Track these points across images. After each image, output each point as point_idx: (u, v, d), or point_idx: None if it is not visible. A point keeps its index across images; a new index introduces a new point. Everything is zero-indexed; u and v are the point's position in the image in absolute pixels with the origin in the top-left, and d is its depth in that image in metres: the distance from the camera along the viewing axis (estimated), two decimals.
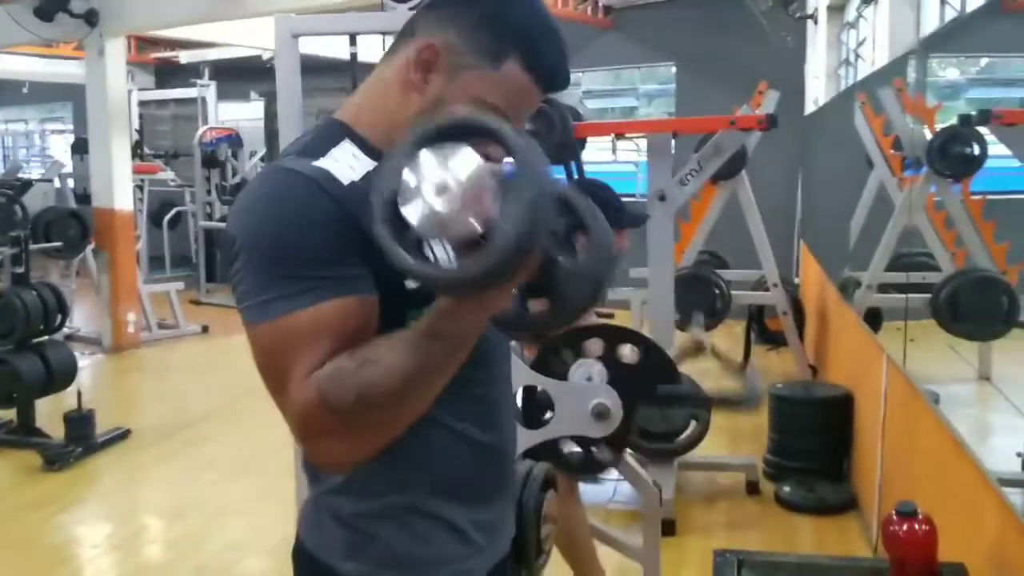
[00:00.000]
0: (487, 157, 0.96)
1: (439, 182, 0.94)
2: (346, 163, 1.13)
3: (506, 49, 1.14)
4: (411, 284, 1.06)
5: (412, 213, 0.94)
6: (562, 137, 3.32)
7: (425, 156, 0.95)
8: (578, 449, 2.30)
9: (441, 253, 1.03)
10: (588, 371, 2.24)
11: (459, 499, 1.23)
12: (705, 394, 3.81)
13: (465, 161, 0.94)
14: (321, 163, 1.11)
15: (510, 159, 0.94)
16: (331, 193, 1.08)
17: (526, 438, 2.36)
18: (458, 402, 1.18)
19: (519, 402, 2.33)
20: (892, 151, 5.32)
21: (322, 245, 1.06)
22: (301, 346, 1.05)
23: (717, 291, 5.68)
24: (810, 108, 7.73)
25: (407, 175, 0.95)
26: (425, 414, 1.13)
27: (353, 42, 2.55)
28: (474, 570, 1.26)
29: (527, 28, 1.15)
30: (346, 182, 1.11)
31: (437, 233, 0.95)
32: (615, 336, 2.19)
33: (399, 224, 0.95)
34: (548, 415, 2.27)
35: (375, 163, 1.12)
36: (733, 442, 4.84)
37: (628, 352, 2.16)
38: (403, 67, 1.16)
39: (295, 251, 1.06)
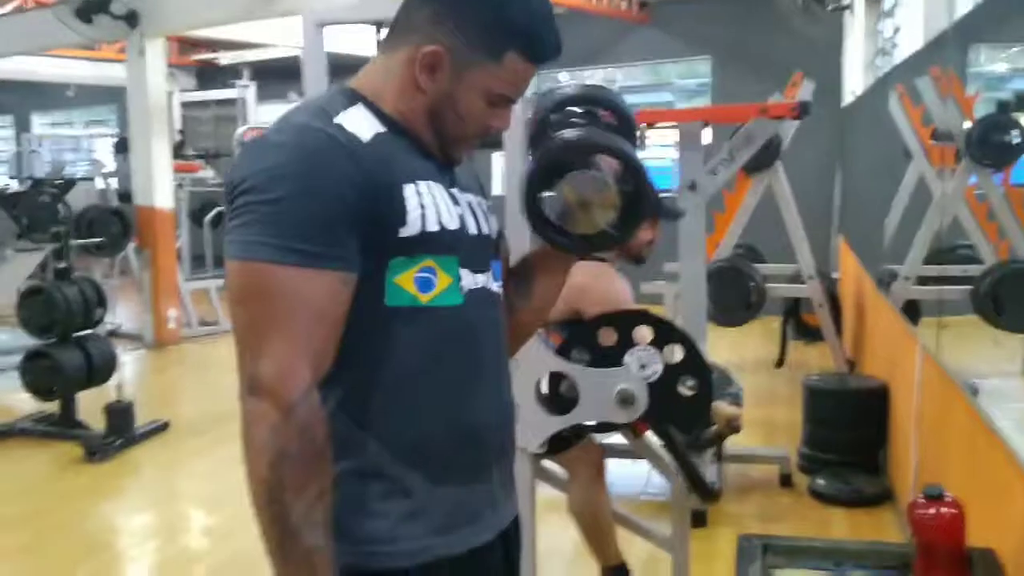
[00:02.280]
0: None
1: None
2: (363, 121, 1.18)
3: (506, 43, 1.20)
4: (404, 232, 1.15)
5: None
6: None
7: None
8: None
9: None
10: (638, 358, 2.18)
11: (427, 472, 1.20)
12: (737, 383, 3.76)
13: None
14: (340, 119, 1.16)
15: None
16: (350, 152, 1.13)
17: (549, 424, 2.36)
18: (438, 370, 1.20)
19: (544, 388, 2.33)
20: (931, 141, 5.23)
21: (330, 211, 1.10)
22: (281, 308, 1.08)
23: (752, 284, 5.62)
24: (848, 100, 7.63)
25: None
26: (400, 374, 1.17)
27: (379, 30, 2.57)
28: (428, 549, 1.20)
29: (523, 19, 1.20)
30: (364, 139, 1.15)
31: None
32: (629, 322, 2.16)
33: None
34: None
35: (387, 128, 1.20)
36: (768, 434, 4.80)
37: (643, 334, 2.14)
38: (407, 64, 1.21)
39: (302, 208, 1.09)
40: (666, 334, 2.11)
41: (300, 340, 1.09)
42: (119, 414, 4.98)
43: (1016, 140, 4.52)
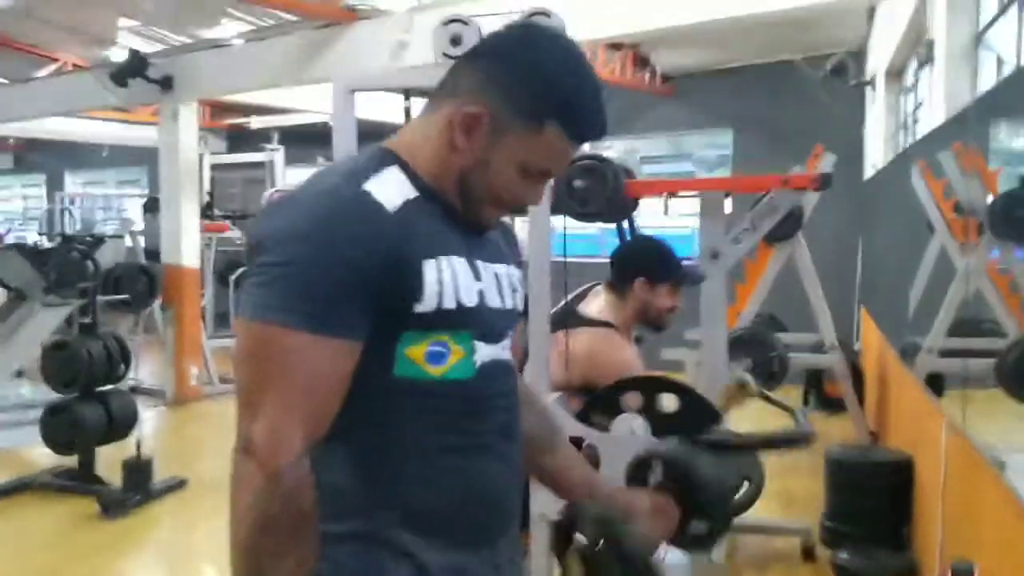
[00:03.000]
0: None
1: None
2: (393, 187, 1.16)
3: (547, 113, 1.16)
4: (419, 308, 1.13)
5: None
6: (613, 194, 3.34)
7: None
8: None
9: None
10: (628, 425, 2.20)
11: (434, 538, 1.18)
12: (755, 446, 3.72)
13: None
14: (368, 186, 1.14)
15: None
16: (371, 220, 1.11)
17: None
18: (446, 439, 1.18)
19: None
20: (953, 215, 5.24)
21: (341, 277, 1.08)
22: (279, 371, 1.08)
23: (773, 353, 5.59)
24: (869, 173, 7.67)
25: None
26: (409, 441, 1.16)
27: (407, 98, 2.62)
28: None
29: (566, 90, 1.17)
30: (391, 208, 1.13)
31: None
32: (652, 386, 2.17)
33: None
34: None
35: (419, 192, 1.18)
36: (787, 506, 4.73)
37: (667, 402, 2.14)
38: (446, 126, 1.19)
39: (313, 272, 1.08)
40: (694, 405, 2.11)
41: (295, 405, 1.08)
42: (137, 470, 4.98)
43: None
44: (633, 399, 2.21)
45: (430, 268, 1.14)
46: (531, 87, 1.16)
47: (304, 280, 1.07)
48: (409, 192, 1.17)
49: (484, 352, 1.21)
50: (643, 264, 2.81)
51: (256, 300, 1.09)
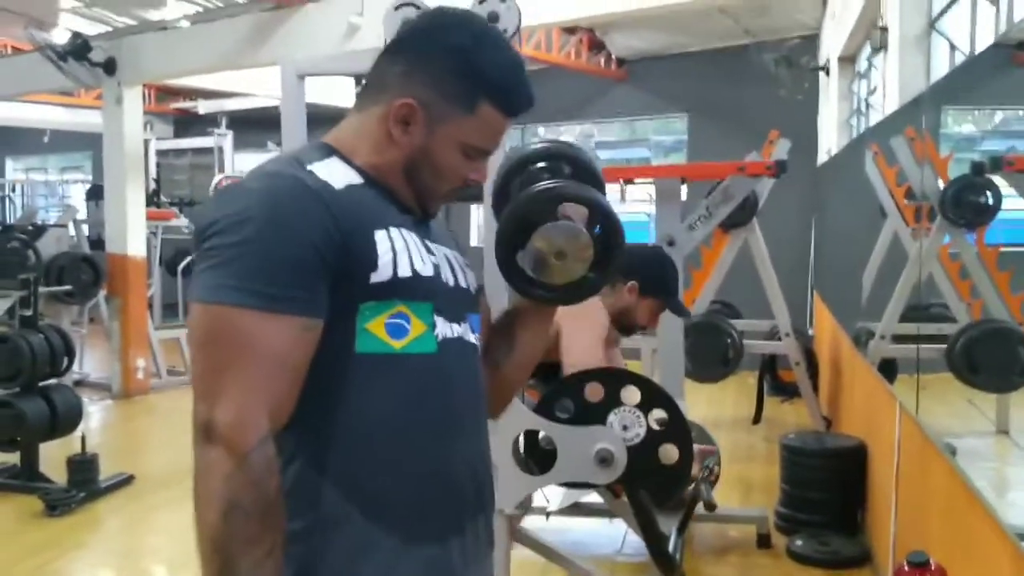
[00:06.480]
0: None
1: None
2: (339, 172, 1.18)
3: (478, 95, 1.20)
4: (375, 278, 1.13)
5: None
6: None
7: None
8: None
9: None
10: (625, 419, 2.13)
11: (399, 528, 1.16)
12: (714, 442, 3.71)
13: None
14: (314, 168, 1.16)
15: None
16: (320, 196, 1.12)
17: (527, 484, 2.30)
18: (414, 416, 1.17)
19: (520, 447, 2.28)
20: (906, 201, 5.28)
21: (296, 255, 1.08)
22: (239, 353, 1.06)
23: (729, 340, 5.61)
24: (823, 159, 7.73)
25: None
26: (376, 421, 1.14)
27: (359, 83, 2.56)
28: None
29: (493, 69, 1.21)
30: (338, 187, 1.15)
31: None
32: (616, 380, 2.13)
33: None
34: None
35: (363, 180, 1.20)
36: (745, 493, 4.74)
37: (630, 395, 2.11)
38: (381, 119, 1.21)
39: (267, 252, 1.07)
40: (652, 397, 2.07)
41: (258, 387, 1.06)
42: (82, 467, 4.85)
43: (989, 201, 4.58)
44: (594, 390, 2.18)
45: (381, 237, 1.15)
46: (458, 72, 1.19)
47: (258, 259, 1.07)
48: (354, 178, 1.19)
49: (445, 328, 1.20)
50: (643, 271, 2.77)
51: (209, 282, 1.07)
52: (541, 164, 1.48)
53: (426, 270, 1.19)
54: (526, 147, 1.55)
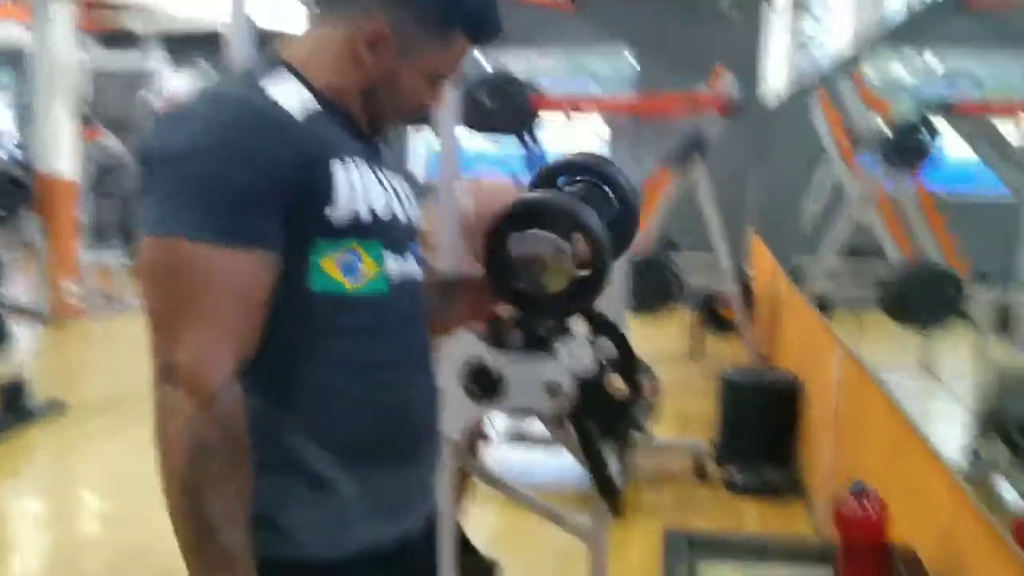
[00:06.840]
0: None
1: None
2: (294, 96, 1.12)
3: (453, 22, 1.18)
4: (331, 213, 1.09)
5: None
6: (518, 108, 3.27)
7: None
8: None
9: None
10: (573, 349, 2.13)
11: (358, 462, 1.15)
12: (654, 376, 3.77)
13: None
14: (271, 93, 1.10)
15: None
16: (280, 127, 1.07)
17: (473, 411, 2.30)
18: (354, 363, 1.16)
19: (466, 376, 2.27)
20: (849, 143, 5.36)
21: (253, 187, 1.04)
22: (200, 289, 1.02)
23: (672, 278, 5.66)
24: (767, 94, 7.76)
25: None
26: (323, 374, 1.13)
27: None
28: (355, 538, 1.16)
29: (470, 2, 1.20)
30: (296, 115, 1.10)
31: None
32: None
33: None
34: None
35: (318, 103, 1.15)
36: (683, 426, 4.84)
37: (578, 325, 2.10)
38: (346, 39, 1.16)
39: (225, 183, 1.03)
40: (601, 328, 2.07)
41: (221, 324, 1.03)
42: (12, 393, 4.74)
43: (928, 141, 4.68)
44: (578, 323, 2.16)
45: (339, 169, 1.11)
46: (437, 2, 1.17)
47: (212, 191, 1.02)
48: (311, 104, 1.14)
49: (393, 264, 1.19)
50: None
51: (161, 214, 1.03)
52: (590, 179, 1.49)
53: (383, 211, 1.17)
54: (580, 155, 1.56)
